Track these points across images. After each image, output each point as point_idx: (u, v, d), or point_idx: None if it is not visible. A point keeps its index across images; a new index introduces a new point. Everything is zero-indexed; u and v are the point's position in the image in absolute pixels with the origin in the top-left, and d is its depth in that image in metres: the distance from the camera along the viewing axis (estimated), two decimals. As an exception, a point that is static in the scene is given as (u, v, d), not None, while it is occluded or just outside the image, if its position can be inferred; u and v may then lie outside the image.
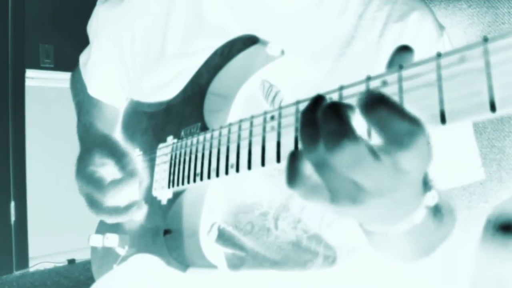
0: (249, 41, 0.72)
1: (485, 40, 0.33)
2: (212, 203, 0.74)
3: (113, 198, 0.81)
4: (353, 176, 0.40)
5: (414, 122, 0.37)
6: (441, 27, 0.76)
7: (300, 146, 0.43)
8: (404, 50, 0.39)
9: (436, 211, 0.56)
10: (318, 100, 0.43)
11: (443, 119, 0.34)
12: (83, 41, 1.05)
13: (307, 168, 0.43)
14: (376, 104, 0.37)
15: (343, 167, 0.39)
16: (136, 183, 0.82)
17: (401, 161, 0.38)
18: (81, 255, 2.98)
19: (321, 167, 0.41)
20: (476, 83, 0.33)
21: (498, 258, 0.83)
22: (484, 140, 0.97)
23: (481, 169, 0.76)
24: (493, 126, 0.96)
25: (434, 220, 0.56)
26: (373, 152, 0.39)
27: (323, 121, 0.40)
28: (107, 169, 0.84)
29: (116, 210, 0.81)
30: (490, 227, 0.86)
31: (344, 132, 0.38)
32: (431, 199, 0.51)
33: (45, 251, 2.92)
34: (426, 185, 0.50)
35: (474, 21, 0.97)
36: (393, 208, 0.45)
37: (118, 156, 0.82)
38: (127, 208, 0.80)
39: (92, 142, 0.87)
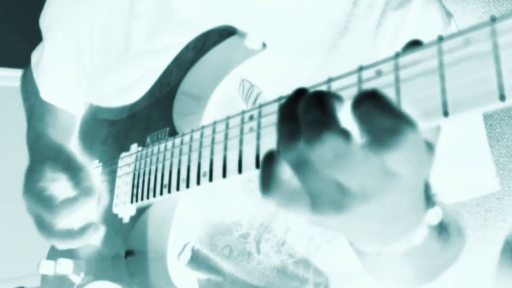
0: (226, 32, 0.72)
1: (493, 19, 0.33)
2: (183, 222, 0.74)
3: (65, 220, 0.80)
4: (335, 174, 0.40)
5: (399, 118, 0.36)
6: (448, 15, 0.77)
7: (277, 145, 0.42)
8: (415, 45, 0.39)
9: (441, 229, 0.56)
10: (300, 92, 0.42)
11: (445, 111, 0.34)
12: (34, 34, 1.05)
13: (285, 171, 0.43)
14: (363, 97, 0.37)
15: (325, 163, 0.39)
16: (93, 202, 0.81)
17: (387, 161, 0.38)
18: (31, 283, 2.93)
19: (300, 166, 0.41)
20: (483, 69, 0.33)
21: (518, 285, 0.84)
22: (502, 148, 0.97)
23: (496, 179, 0.76)
24: (512, 131, 0.97)
25: (439, 240, 0.56)
26: (359, 147, 0.39)
27: (303, 111, 0.39)
28: (59, 186, 0.83)
29: (69, 234, 0.80)
30: (508, 249, 0.87)
31: (325, 122, 0.38)
32: (434, 216, 0.51)
33: (-11, 277, 2.89)
34: (428, 200, 0.50)
35: (490, 8, 0.98)
36: (385, 221, 0.45)
37: (72, 170, 0.81)
38: (82, 230, 0.79)
39: (44, 154, 0.87)
